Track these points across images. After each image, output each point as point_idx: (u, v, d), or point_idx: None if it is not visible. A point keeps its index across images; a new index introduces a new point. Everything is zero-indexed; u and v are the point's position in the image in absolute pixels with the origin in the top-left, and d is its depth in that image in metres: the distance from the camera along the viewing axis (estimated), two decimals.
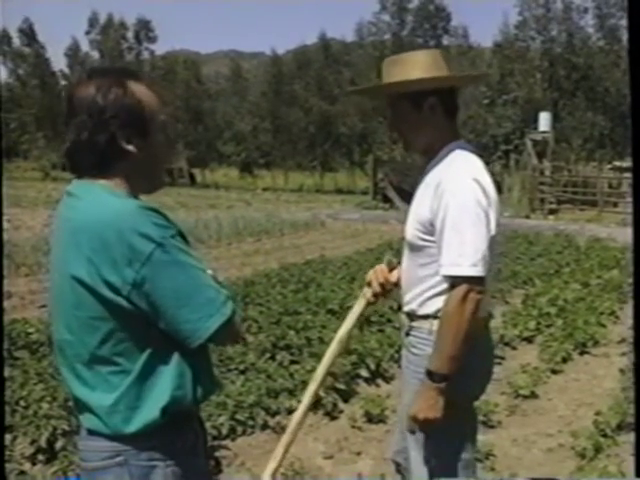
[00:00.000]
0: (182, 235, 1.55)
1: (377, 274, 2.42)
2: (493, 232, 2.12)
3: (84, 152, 1.55)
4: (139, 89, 1.58)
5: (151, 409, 1.52)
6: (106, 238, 1.44)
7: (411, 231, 2.23)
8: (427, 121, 2.22)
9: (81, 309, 1.50)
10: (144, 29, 44.12)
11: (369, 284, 2.44)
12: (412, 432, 2.21)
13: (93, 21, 44.31)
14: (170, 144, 1.68)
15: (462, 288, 2.06)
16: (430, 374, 2.10)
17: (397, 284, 2.39)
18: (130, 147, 1.56)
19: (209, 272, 1.61)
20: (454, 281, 2.08)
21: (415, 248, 2.23)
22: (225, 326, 1.52)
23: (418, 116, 2.22)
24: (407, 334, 2.31)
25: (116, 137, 1.54)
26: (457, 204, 2.07)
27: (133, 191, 1.59)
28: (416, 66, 2.21)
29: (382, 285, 2.41)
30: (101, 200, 1.51)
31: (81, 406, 1.58)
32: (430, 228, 2.15)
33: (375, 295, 2.43)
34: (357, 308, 2.44)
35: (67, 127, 1.56)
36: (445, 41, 40.82)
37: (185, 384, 1.55)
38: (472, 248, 2.05)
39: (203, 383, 1.60)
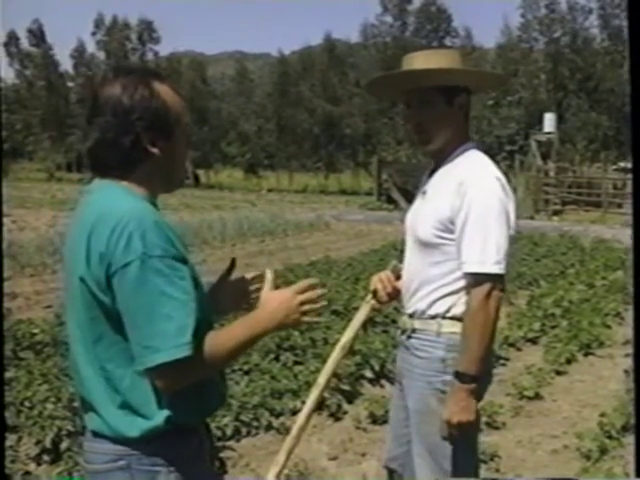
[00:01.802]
0: (181, 260, 1.48)
1: (384, 283, 2.37)
2: (513, 231, 2.12)
3: (107, 152, 1.53)
4: (164, 90, 1.57)
5: (154, 417, 1.50)
6: (101, 234, 1.44)
7: (427, 229, 2.18)
8: (454, 118, 2.20)
9: (81, 303, 1.50)
10: (147, 30, 44.20)
11: (374, 292, 2.39)
12: (445, 438, 2.15)
13: (99, 22, 44.45)
14: (189, 145, 1.66)
15: (486, 286, 2.05)
16: (459, 376, 2.08)
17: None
18: (154, 150, 1.54)
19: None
20: (477, 279, 2.07)
21: (429, 246, 2.19)
22: (169, 367, 1.41)
23: (448, 111, 2.19)
24: (409, 336, 2.27)
25: (141, 139, 1.52)
26: (481, 202, 2.07)
27: (153, 192, 1.58)
28: (449, 59, 2.17)
29: (389, 294, 2.38)
30: (113, 198, 1.50)
31: (86, 406, 1.57)
32: (450, 226, 2.13)
33: (380, 302, 2.40)
34: (361, 315, 2.40)
35: (90, 125, 1.54)
36: (448, 42, 40.73)
37: (185, 398, 1.51)
38: (495, 246, 2.06)
39: (207, 397, 1.58)
